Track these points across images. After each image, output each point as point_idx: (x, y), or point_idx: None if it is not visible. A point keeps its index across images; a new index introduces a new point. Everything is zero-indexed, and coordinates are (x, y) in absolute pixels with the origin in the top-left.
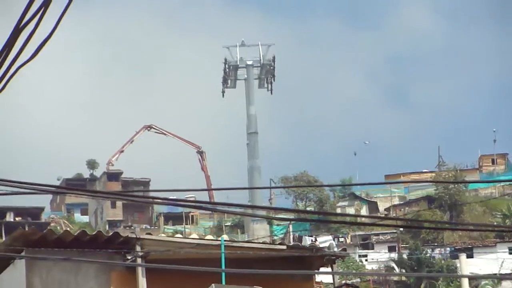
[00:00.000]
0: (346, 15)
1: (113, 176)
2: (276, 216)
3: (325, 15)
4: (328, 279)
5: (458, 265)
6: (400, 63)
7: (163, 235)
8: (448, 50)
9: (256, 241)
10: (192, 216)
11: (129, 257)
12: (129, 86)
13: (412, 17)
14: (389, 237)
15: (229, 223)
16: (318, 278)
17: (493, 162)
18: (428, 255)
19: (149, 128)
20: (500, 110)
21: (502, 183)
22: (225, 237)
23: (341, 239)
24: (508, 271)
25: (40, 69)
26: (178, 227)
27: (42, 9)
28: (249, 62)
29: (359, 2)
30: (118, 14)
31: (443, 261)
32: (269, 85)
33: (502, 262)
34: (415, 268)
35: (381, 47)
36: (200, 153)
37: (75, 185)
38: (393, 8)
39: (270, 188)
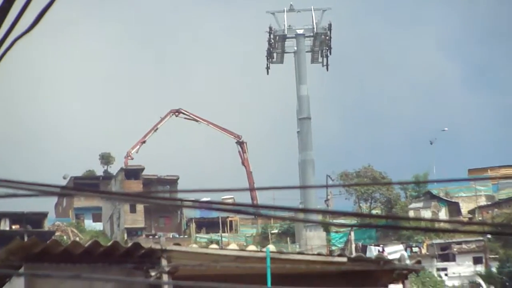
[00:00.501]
0: None
1: (132, 173)
2: (334, 221)
3: None
4: None
5: None
6: (489, 36)
7: (194, 245)
8: None
9: (309, 252)
10: (231, 222)
11: (152, 273)
12: (155, 66)
13: None
14: (474, 246)
15: (276, 230)
16: None
17: None
18: None
19: (177, 114)
20: None
21: None
22: (271, 247)
23: (415, 249)
24: None
25: (43, 44)
26: (214, 236)
27: None
28: (300, 31)
29: None
30: None
31: None
32: (325, 60)
33: None
34: (507, 284)
35: (465, 16)
36: (241, 143)
37: (85, 184)
38: None
39: (327, 186)
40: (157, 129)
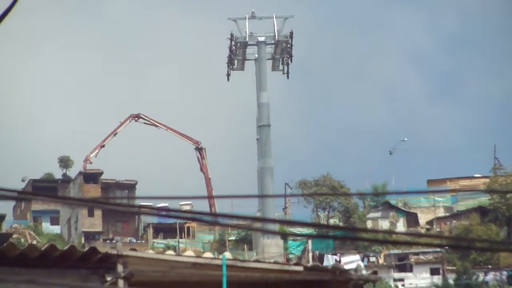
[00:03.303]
0: None
1: (91, 176)
2: (291, 230)
3: None
4: None
5: None
6: (451, 47)
7: (151, 251)
8: (505, 31)
9: (266, 260)
10: (188, 228)
11: (108, 278)
12: (115, 69)
13: None
14: (431, 257)
15: (233, 238)
16: None
17: None
18: (479, 280)
19: (136, 118)
20: None
21: None
22: (227, 254)
23: (372, 259)
24: None
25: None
26: (171, 242)
27: None
28: (261, 39)
29: None
30: None
31: None
32: (285, 67)
33: None
34: None
35: (430, 26)
36: (199, 150)
37: (44, 187)
38: None
39: (285, 196)
40: (116, 133)
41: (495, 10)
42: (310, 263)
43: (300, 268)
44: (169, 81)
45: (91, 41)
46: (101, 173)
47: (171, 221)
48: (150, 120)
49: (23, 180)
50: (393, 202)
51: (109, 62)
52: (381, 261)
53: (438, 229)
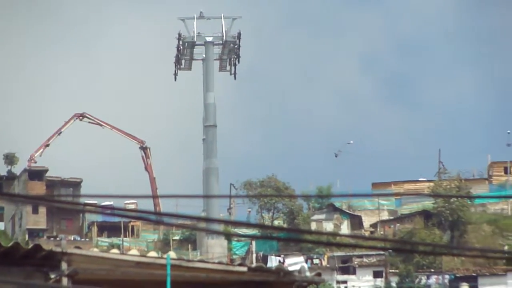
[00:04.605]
0: None
1: (36, 174)
2: (236, 231)
3: None
4: None
5: None
6: (401, 52)
7: (95, 249)
8: (459, 37)
9: (210, 260)
10: (133, 227)
11: (52, 276)
12: (62, 66)
13: None
14: (374, 260)
15: (177, 237)
16: None
17: (505, 171)
18: (422, 283)
19: (81, 118)
20: None
21: None
22: (172, 254)
23: (316, 261)
24: None
25: None
26: (115, 240)
27: None
28: (209, 39)
29: None
30: None
31: None
32: (233, 68)
33: None
34: None
35: (381, 31)
36: (144, 149)
37: None
38: None
39: (230, 197)
40: (61, 132)
41: (449, 16)
42: (254, 264)
43: (244, 269)
44: (116, 81)
45: (37, 38)
46: (46, 171)
47: (116, 219)
48: (95, 120)
49: None
50: (337, 204)
51: (56, 58)
52: (324, 263)
53: (382, 232)
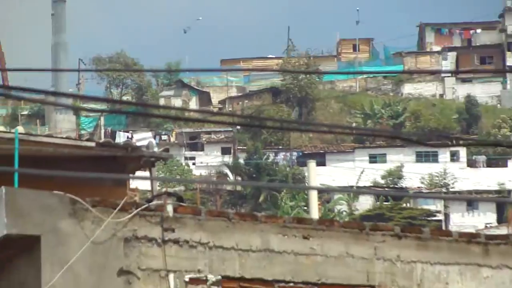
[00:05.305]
0: None
1: None
2: (84, 105)
3: None
4: (145, 185)
5: (306, 173)
6: None
7: None
8: None
9: (58, 135)
10: None
11: None
12: None
13: None
14: (223, 136)
15: (26, 112)
16: (133, 183)
17: (354, 48)
18: (270, 160)
19: None
20: None
21: (365, 75)
22: (20, 128)
23: (164, 137)
24: (368, 183)
25: None
26: None
27: None
28: None
29: None
30: None
31: (288, 169)
32: None
33: (362, 172)
34: (254, 175)
35: None
36: None
37: None
38: None
39: (79, 70)
40: None
41: None
42: (102, 139)
43: (92, 144)
44: None
45: None
46: None
47: None
48: None
49: None
50: (186, 80)
51: None
52: (172, 139)
53: (230, 109)
